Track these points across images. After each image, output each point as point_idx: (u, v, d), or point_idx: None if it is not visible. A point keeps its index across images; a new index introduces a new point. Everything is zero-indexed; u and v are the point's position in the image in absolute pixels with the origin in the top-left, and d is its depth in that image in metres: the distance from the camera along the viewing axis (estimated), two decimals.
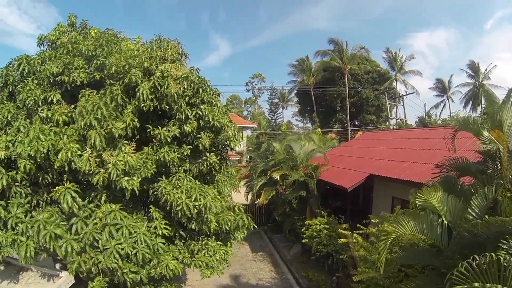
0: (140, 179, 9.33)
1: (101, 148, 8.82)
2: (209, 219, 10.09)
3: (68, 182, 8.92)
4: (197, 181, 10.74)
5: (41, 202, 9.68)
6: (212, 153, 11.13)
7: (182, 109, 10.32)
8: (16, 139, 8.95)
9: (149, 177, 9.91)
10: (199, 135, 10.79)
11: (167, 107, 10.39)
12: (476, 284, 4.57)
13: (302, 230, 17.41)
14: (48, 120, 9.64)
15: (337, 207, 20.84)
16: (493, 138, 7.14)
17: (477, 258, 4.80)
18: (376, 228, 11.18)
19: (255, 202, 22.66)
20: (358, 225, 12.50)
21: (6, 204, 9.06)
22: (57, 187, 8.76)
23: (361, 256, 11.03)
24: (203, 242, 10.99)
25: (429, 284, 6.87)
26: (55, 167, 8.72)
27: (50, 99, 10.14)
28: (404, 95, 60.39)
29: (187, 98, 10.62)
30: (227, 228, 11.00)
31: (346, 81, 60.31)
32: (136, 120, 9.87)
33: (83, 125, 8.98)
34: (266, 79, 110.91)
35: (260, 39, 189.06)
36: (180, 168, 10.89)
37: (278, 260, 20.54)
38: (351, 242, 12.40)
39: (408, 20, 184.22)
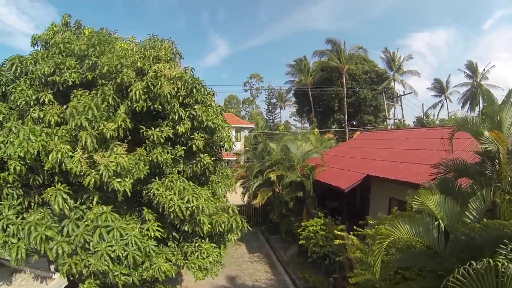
0: (132, 180, 9.21)
1: (93, 149, 8.71)
2: (201, 221, 9.99)
3: (59, 183, 8.82)
4: (190, 182, 10.64)
5: (32, 204, 9.55)
6: (206, 154, 11.01)
7: (175, 110, 10.20)
8: (7, 140, 8.85)
9: (142, 178, 9.78)
10: (193, 136, 10.67)
11: (160, 107, 10.27)
12: None
13: (299, 231, 17.30)
14: (40, 120, 9.54)
15: (334, 208, 20.74)
16: (492, 139, 7.01)
17: (474, 263, 4.66)
18: (373, 229, 11.05)
19: (252, 203, 22.51)
20: (354, 227, 12.37)
21: None
22: (48, 189, 8.65)
23: (357, 258, 10.90)
24: (197, 244, 10.88)
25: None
26: (46, 168, 8.63)
27: (42, 100, 10.05)
28: (402, 95, 60.54)
29: (180, 98, 10.50)
30: (221, 230, 10.89)
31: (344, 81, 60.22)
32: (128, 120, 9.73)
33: (74, 126, 8.88)
34: (264, 79, 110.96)
35: (259, 39, 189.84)
36: (174, 169, 10.78)
37: (274, 261, 20.44)
38: (348, 244, 12.28)
39: (408, 20, 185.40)
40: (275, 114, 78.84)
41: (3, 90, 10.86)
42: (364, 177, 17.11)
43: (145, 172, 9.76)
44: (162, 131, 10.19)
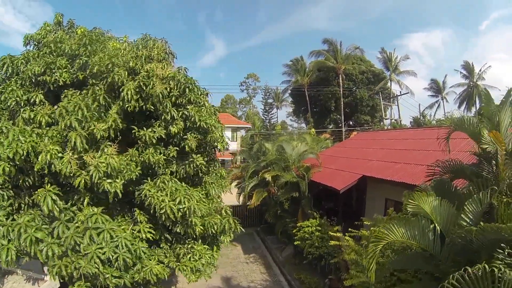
0: (123, 181, 9.09)
1: (82, 149, 8.60)
2: (193, 223, 9.86)
3: (49, 184, 8.69)
4: (183, 183, 10.53)
5: (23, 205, 9.43)
6: (199, 155, 10.88)
7: (167, 110, 10.07)
8: None
9: (134, 179, 9.66)
10: (185, 136, 10.54)
11: (152, 107, 10.14)
12: None
13: (294, 231, 17.27)
14: (31, 121, 9.44)
15: (329, 209, 20.65)
16: (490, 140, 6.90)
17: (469, 269, 4.54)
18: (368, 231, 10.95)
19: (247, 204, 22.42)
20: (350, 229, 12.26)
21: None
22: (38, 190, 8.51)
23: (352, 260, 10.80)
24: (189, 246, 10.75)
25: None
26: (36, 169, 8.50)
27: (33, 100, 9.96)
28: (399, 95, 60.54)
29: (173, 98, 10.37)
30: (214, 232, 10.78)
31: (341, 81, 60.18)
32: (119, 121, 9.57)
33: (63, 127, 8.75)
34: (262, 79, 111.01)
35: (257, 39, 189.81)
36: (166, 170, 10.64)
37: (270, 262, 20.34)
38: (343, 245, 12.18)
39: (406, 20, 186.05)
40: (272, 114, 78.68)
41: None
42: (359, 178, 17.03)
43: (137, 173, 9.63)
44: (155, 131, 10.04)
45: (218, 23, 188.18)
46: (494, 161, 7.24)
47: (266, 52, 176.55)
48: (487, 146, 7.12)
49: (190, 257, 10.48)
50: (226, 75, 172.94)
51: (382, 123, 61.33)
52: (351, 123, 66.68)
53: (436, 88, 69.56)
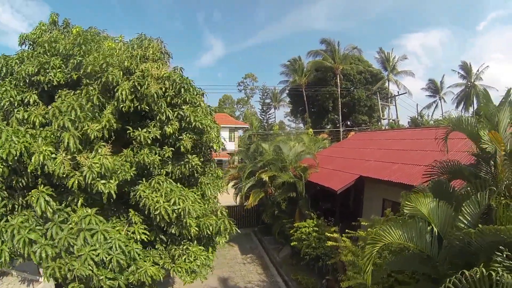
0: (117, 182, 9.03)
1: (76, 150, 8.52)
2: (188, 224, 9.79)
3: (42, 185, 8.60)
4: (179, 184, 10.45)
5: (16, 206, 9.31)
6: (194, 155, 10.80)
7: (162, 110, 9.99)
8: None
9: (129, 179, 9.58)
10: (181, 137, 10.46)
11: (147, 107, 10.04)
12: None
13: (291, 232, 17.22)
14: (25, 121, 9.36)
15: (327, 209, 20.57)
16: (489, 140, 6.83)
17: (466, 272, 4.47)
18: (366, 232, 10.88)
19: (244, 204, 22.36)
20: (347, 230, 12.20)
21: None
22: (32, 191, 8.44)
23: (349, 261, 10.73)
24: (184, 247, 10.66)
25: None
26: (29, 170, 8.41)
27: (26, 100, 9.88)
28: (396, 96, 60.65)
29: (168, 98, 10.30)
30: (209, 233, 10.72)
31: (338, 81, 60.27)
32: (114, 121, 9.51)
33: (57, 127, 8.67)
34: (260, 79, 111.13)
35: (256, 39, 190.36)
36: (162, 170, 10.56)
37: (267, 263, 20.26)
38: (341, 246, 12.11)
39: (404, 21, 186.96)
40: (269, 114, 78.94)
41: None
42: (357, 178, 16.97)
43: (131, 174, 9.55)
44: (149, 131, 9.95)
45: (217, 23, 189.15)
46: (492, 162, 7.17)
47: (264, 52, 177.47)
48: (487, 146, 7.04)
49: (185, 258, 10.40)
50: (224, 75, 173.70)
51: (380, 123, 61.46)
52: (349, 123, 66.81)
53: (434, 88, 69.73)
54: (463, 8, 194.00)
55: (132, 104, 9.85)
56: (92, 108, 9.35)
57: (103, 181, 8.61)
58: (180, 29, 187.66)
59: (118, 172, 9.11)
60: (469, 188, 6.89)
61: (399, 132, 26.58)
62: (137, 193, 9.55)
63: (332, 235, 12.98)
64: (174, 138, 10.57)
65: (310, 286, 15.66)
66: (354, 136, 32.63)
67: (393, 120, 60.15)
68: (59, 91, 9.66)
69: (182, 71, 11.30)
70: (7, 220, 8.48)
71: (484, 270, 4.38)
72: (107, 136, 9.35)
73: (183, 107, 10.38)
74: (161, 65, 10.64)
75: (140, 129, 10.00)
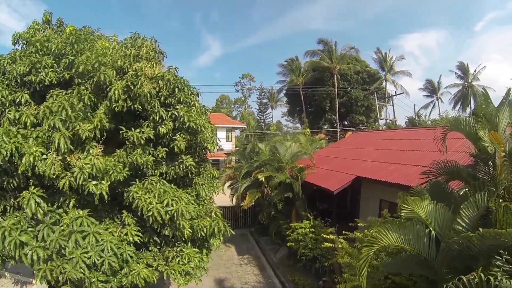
0: (109, 182, 8.90)
1: (67, 150, 8.40)
2: (182, 225, 9.65)
3: (33, 186, 8.46)
4: (172, 184, 10.35)
5: (8, 208, 9.23)
6: (188, 156, 10.67)
7: (156, 110, 9.88)
8: None
9: (122, 180, 9.46)
10: (175, 137, 10.32)
11: (140, 107, 9.91)
12: None
13: (287, 233, 17.09)
14: (17, 121, 9.21)
15: (324, 210, 20.43)
16: (488, 140, 6.72)
17: (463, 278, 4.33)
18: (363, 233, 10.77)
19: (240, 204, 22.25)
20: (344, 231, 12.08)
21: None
22: (23, 192, 8.31)
23: (346, 263, 10.62)
24: (178, 249, 10.55)
25: None
26: (20, 171, 8.27)
27: (18, 100, 9.78)
28: (394, 96, 60.56)
29: (162, 98, 10.21)
30: (203, 235, 10.60)
31: (336, 81, 60.11)
32: (106, 121, 9.39)
33: (47, 127, 8.56)
34: (258, 79, 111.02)
35: (254, 39, 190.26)
36: (155, 171, 10.46)
37: (264, 264, 20.15)
38: (337, 247, 12.00)
39: (402, 21, 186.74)
40: (267, 114, 78.44)
41: None
42: (354, 179, 16.85)
43: (124, 174, 9.43)
44: (143, 132, 9.84)
45: (215, 23, 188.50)
46: (491, 163, 7.07)
47: (262, 52, 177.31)
48: (487, 145, 6.93)
49: (179, 260, 10.28)
50: (221, 75, 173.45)
51: (377, 123, 61.32)
52: (346, 123, 66.72)
53: (431, 89, 69.71)
54: (460, 9, 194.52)
55: (125, 104, 9.74)
56: (84, 108, 9.24)
57: (94, 182, 8.49)
58: (178, 29, 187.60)
59: (110, 172, 8.99)
60: (467, 190, 6.78)
61: (396, 132, 26.50)
62: (130, 194, 9.44)
63: (328, 236, 12.85)
64: (168, 138, 10.45)
65: (307, 287, 15.55)
66: (351, 136, 32.55)
67: (390, 120, 60.04)
68: (51, 90, 9.55)
69: (176, 71, 11.19)
70: None
71: (482, 275, 4.25)
72: (99, 136, 9.24)
73: (177, 107, 10.27)
74: (154, 64, 10.54)
75: (133, 129, 9.89)
